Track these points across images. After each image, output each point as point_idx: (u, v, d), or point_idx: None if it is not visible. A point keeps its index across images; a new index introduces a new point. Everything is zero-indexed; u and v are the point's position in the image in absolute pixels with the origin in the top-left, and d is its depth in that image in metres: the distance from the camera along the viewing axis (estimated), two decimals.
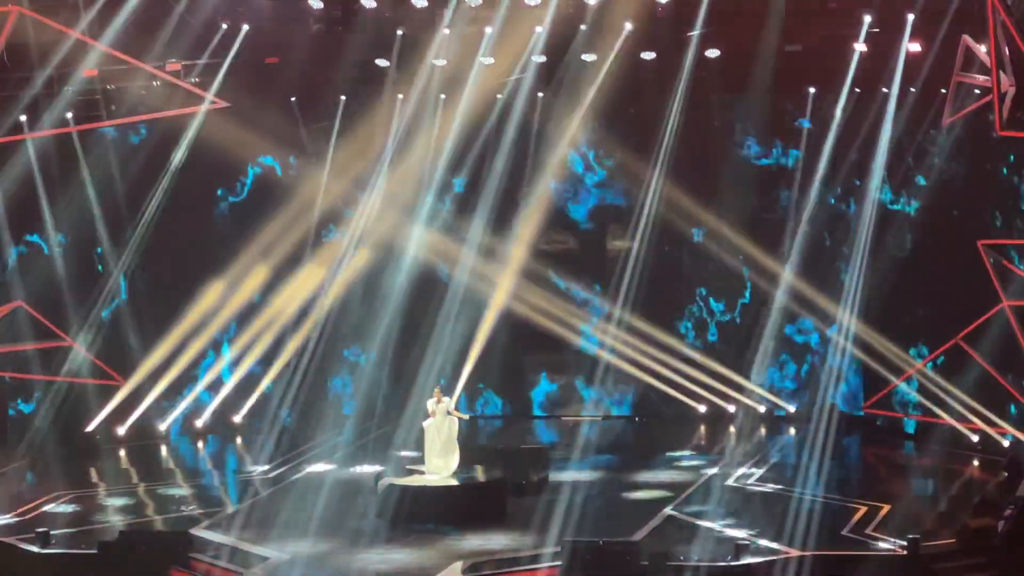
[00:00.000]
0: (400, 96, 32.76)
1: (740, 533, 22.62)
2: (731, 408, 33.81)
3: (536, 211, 33.95)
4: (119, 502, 26.47)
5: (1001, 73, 24.06)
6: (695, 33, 30.75)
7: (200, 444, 32.94)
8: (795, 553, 21.42)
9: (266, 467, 29.41)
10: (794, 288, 32.82)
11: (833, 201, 32.97)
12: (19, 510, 25.31)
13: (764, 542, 22.06)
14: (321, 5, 30.70)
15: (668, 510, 24.79)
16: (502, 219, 33.93)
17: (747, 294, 34.16)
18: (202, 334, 32.60)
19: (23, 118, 30.10)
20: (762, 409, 33.67)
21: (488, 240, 33.72)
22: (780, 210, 33.64)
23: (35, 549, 22.11)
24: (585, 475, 27.92)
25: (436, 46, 31.26)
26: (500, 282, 33.39)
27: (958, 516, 22.87)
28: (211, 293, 32.53)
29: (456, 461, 25.17)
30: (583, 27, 30.84)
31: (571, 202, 34.99)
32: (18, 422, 31.35)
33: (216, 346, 33.40)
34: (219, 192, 33.67)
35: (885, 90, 30.53)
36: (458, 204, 34.42)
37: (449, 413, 25.25)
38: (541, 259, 34.24)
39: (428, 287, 33.95)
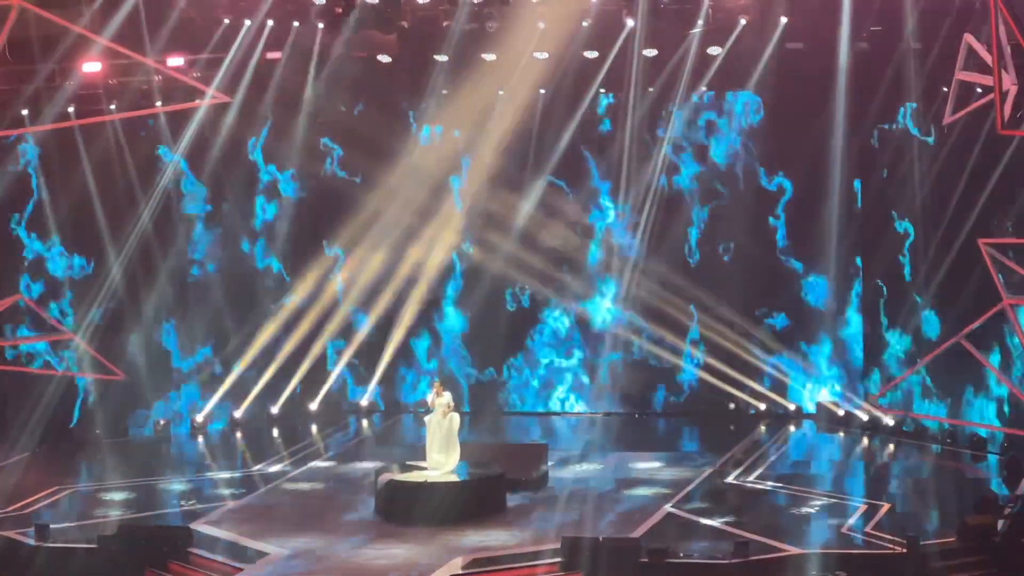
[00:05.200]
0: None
1: (739, 530, 22.61)
2: (731, 405, 33.92)
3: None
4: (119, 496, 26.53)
5: (1002, 72, 24.05)
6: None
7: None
8: (794, 551, 21.43)
9: (269, 461, 29.47)
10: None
11: None
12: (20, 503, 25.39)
13: (763, 539, 22.05)
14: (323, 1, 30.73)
15: (668, 507, 24.78)
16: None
17: None
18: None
19: (24, 112, 30.13)
20: (762, 406, 33.74)
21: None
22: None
23: (34, 543, 22.11)
24: (585, 471, 27.96)
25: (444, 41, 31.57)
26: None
27: (958, 514, 22.84)
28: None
29: (456, 457, 25.11)
30: (585, 23, 30.88)
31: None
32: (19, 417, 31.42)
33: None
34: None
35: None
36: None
37: (448, 405, 25.24)
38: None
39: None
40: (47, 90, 30.02)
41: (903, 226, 31.29)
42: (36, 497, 25.91)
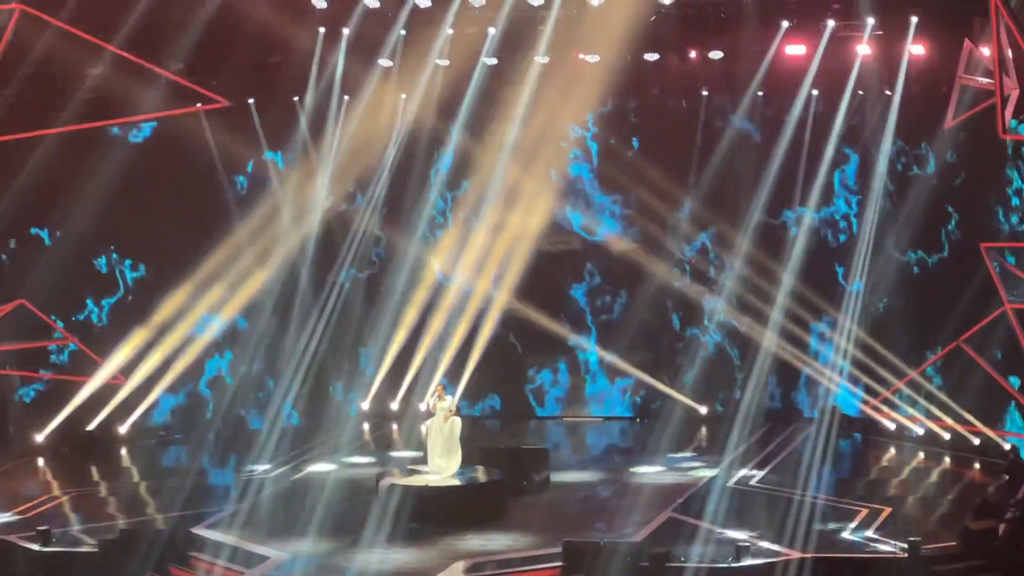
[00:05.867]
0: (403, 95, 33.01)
1: (741, 534, 22.61)
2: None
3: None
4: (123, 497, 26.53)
5: (1004, 76, 24.06)
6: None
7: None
8: (795, 555, 21.43)
9: (268, 465, 29.47)
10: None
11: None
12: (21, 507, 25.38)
13: (765, 544, 22.06)
14: (325, 5, 30.76)
15: (669, 511, 24.77)
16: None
17: None
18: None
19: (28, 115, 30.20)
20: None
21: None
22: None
23: (35, 547, 22.10)
24: (586, 475, 27.96)
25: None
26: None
27: (959, 519, 22.85)
28: None
29: (458, 461, 25.12)
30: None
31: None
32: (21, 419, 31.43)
33: None
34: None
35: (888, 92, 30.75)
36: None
37: (450, 410, 25.21)
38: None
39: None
40: (49, 95, 30.13)
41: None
42: (39, 500, 25.95)
